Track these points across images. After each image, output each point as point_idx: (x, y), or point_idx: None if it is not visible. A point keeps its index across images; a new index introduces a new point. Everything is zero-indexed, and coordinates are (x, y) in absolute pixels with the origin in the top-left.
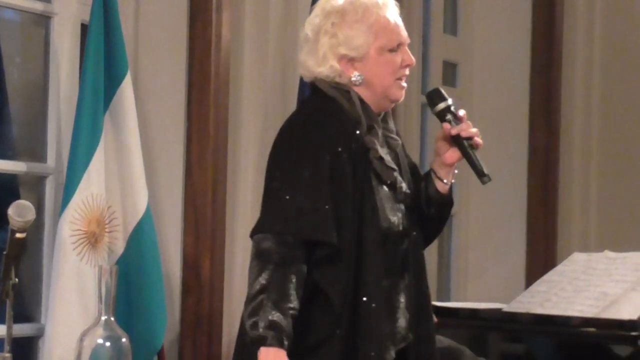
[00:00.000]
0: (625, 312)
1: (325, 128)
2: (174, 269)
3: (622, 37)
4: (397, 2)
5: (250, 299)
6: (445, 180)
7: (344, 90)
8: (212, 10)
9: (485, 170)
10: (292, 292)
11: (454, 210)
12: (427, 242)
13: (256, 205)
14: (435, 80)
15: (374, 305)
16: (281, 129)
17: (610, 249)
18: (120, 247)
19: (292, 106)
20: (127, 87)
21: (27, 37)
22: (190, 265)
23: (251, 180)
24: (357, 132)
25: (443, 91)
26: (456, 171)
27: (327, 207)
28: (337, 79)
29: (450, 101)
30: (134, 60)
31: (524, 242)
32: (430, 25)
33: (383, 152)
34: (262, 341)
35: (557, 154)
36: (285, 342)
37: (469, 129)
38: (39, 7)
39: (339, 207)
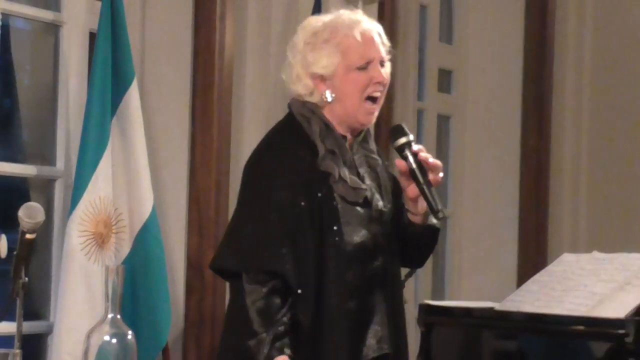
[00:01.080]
0: (613, 310)
1: (281, 158)
2: (178, 268)
3: (611, 46)
4: (374, 20)
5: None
6: (413, 212)
7: (308, 116)
8: (215, 19)
9: (439, 207)
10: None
11: (448, 212)
12: (418, 264)
13: None
14: (431, 87)
15: (336, 328)
16: (251, 156)
17: (598, 250)
18: (126, 248)
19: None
20: (133, 93)
21: (37, 45)
22: (194, 265)
23: None
24: (316, 159)
25: (405, 127)
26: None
27: (281, 241)
28: (308, 97)
29: (411, 137)
30: (140, 67)
31: (515, 243)
32: (427, 34)
33: (355, 171)
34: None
35: (548, 157)
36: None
37: (427, 157)
38: (48, 16)
39: (295, 239)
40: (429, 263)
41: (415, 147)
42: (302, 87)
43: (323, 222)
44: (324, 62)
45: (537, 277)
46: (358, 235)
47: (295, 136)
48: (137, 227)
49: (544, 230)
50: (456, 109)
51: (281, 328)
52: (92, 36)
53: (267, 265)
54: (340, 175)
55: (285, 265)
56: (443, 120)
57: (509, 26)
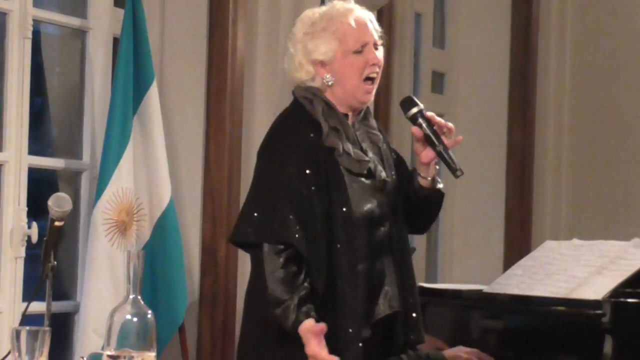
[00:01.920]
0: (591, 292)
1: (288, 139)
2: (193, 253)
3: (590, 51)
4: (366, 8)
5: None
6: (425, 176)
7: (310, 98)
8: (228, 24)
9: (457, 165)
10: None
11: None
12: (424, 228)
13: None
14: (425, 88)
15: (348, 289)
16: (263, 140)
17: (578, 237)
18: (146, 234)
19: None
20: (153, 92)
21: (65, 49)
22: (208, 250)
23: None
24: (318, 134)
25: (415, 98)
26: (437, 167)
27: (289, 213)
28: (311, 83)
29: (421, 106)
30: (159, 69)
31: (502, 231)
32: (421, 39)
33: (358, 145)
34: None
35: (532, 152)
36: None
37: (441, 121)
38: (76, 22)
39: (303, 209)
40: (423, 250)
41: (427, 114)
42: (304, 73)
43: (331, 193)
44: (323, 48)
45: (521, 262)
46: (364, 204)
47: (300, 117)
48: (157, 215)
49: (528, 220)
50: (448, 109)
51: (304, 293)
52: (116, 41)
53: (280, 236)
54: (344, 149)
55: (295, 235)
56: (435, 115)
57: (496, 33)
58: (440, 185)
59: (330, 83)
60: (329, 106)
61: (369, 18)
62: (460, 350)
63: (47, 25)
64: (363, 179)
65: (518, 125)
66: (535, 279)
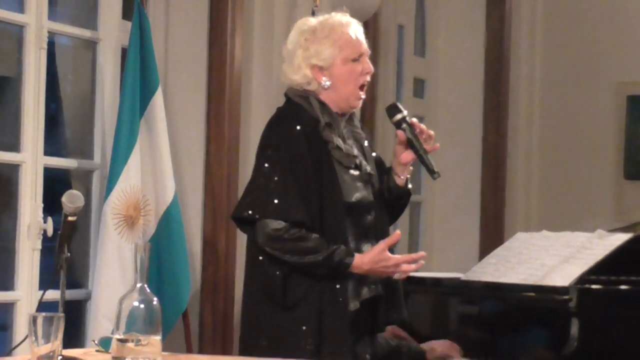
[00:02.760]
0: (559, 279)
1: (288, 129)
2: (196, 245)
3: (557, 60)
4: (359, 22)
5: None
6: (401, 176)
7: (305, 97)
8: (227, 36)
9: (435, 169)
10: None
11: (421, 197)
12: (393, 219)
13: None
14: (407, 93)
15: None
16: (262, 133)
17: (547, 229)
18: (152, 228)
19: None
20: (158, 98)
21: (77, 58)
22: (209, 242)
23: None
24: (316, 127)
25: (399, 105)
26: (411, 168)
27: (290, 193)
28: (306, 87)
29: (405, 112)
30: (164, 76)
31: (478, 223)
32: (403, 49)
33: (345, 143)
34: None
35: (504, 152)
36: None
37: (422, 127)
38: (87, 34)
39: (302, 191)
40: (405, 241)
41: (409, 119)
42: (301, 76)
43: (324, 181)
44: (324, 54)
45: (495, 251)
46: (354, 193)
47: (297, 113)
48: (161, 210)
49: (501, 213)
50: (428, 112)
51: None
52: (124, 51)
53: (279, 212)
54: (336, 144)
55: (292, 209)
56: (417, 121)
57: (472, 43)
58: (410, 186)
59: (325, 87)
60: (323, 105)
61: (362, 31)
62: (434, 343)
63: (60, 36)
64: (352, 171)
65: (492, 127)
66: (508, 267)
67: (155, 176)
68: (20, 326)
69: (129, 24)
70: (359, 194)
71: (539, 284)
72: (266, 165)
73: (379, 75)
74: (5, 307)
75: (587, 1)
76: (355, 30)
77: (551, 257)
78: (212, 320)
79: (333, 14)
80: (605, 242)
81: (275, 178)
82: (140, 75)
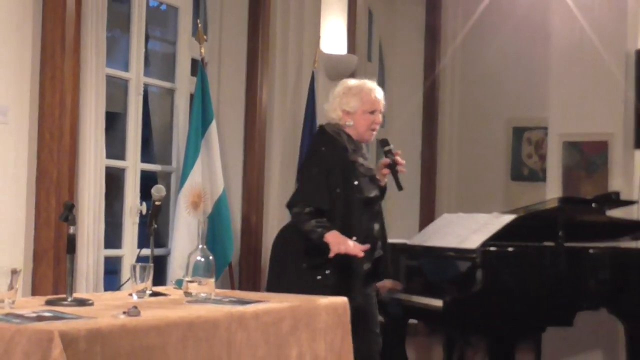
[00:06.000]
0: (469, 244)
1: (325, 151)
2: (237, 221)
3: (469, 102)
4: (380, 88)
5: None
6: (381, 182)
7: (338, 131)
8: (257, 87)
9: (401, 184)
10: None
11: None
12: None
13: (279, 189)
14: None
15: (359, 239)
16: (306, 152)
17: (462, 212)
18: (209, 209)
19: (297, 138)
20: (213, 126)
21: (162, 101)
22: (245, 219)
23: (276, 177)
24: (346, 152)
25: (388, 140)
26: (386, 179)
27: (323, 190)
28: (337, 121)
29: (392, 146)
30: (217, 112)
31: (418, 207)
32: None
33: (363, 162)
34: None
35: (435, 164)
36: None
37: (400, 161)
38: (168, 85)
39: (337, 187)
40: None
41: (394, 151)
42: (335, 115)
43: (350, 184)
44: (352, 105)
45: (429, 226)
46: (370, 192)
47: (332, 141)
48: (215, 199)
49: (433, 201)
50: (388, 134)
51: (324, 220)
52: (191, 96)
53: (312, 201)
54: (360, 162)
55: (321, 200)
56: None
57: (413, 92)
58: (386, 187)
59: (349, 125)
60: (349, 136)
61: (382, 94)
62: (384, 281)
63: (151, 86)
64: (368, 179)
65: (426, 146)
66: (438, 236)
67: (211, 177)
68: (125, 271)
69: (194, 79)
70: (373, 193)
71: (457, 247)
72: (307, 172)
73: None
74: (116, 259)
75: (488, 64)
76: (376, 93)
77: (465, 230)
78: (247, 270)
79: (365, 80)
80: (500, 220)
81: (313, 181)
82: (202, 111)
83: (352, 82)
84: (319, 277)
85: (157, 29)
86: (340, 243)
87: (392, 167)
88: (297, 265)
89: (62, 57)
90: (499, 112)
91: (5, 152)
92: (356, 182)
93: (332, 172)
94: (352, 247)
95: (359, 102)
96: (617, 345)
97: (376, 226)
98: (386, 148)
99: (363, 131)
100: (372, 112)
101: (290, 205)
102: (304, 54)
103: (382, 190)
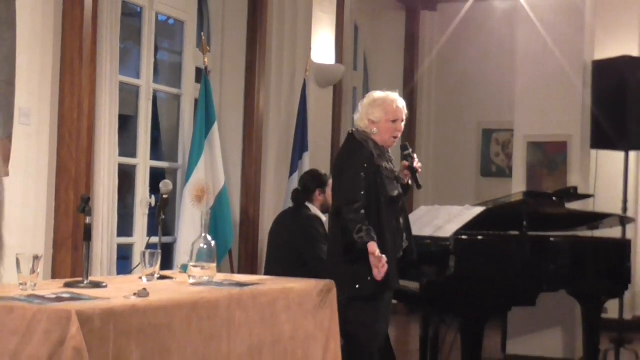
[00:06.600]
0: (444, 232)
1: (357, 155)
2: (236, 213)
3: (444, 106)
4: (403, 100)
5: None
6: (403, 181)
7: (365, 139)
8: (255, 92)
9: (420, 183)
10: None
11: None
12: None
13: (274, 184)
14: None
15: (388, 234)
16: (340, 152)
17: (438, 204)
18: (211, 202)
19: (290, 138)
20: (215, 128)
21: (169, 105)
22: (244, 211)
23: (272, 173)
24: (373, 157)
25: (408, 145)
26: (408, 179)
27: (361, 188)
28: (364, 129)
29: (410, 150)
30: (219, 115)
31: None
32: (356, 102)
33: (387, 165)
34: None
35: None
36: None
37: (417, 163)
38: (175, 91)
39: (367, 188)
40: None
41: (413, 155)
42: (363, 124)
43: (378, 184)
44: (377, 115)
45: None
46: (394, 191)
47: (360, 149)
48: (217, 192)
49: (411, 193)
50: None
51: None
52: (196, 101)
53: (355, 200)
54: (384, 166)
55: (362, 197)
56: (415, 156)
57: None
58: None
59: (374, 133)
60: (375, 143)
61: (404, 105)
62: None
63: (160, 92)
64: (392, 180)
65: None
66: (416, 226)
67: (213, 173)
68: (136, 257)
69: (198, 85)
70: (397, 192)
71: (433, 235)
72: (346, 175)
73: (347, 114)
74: (127, 246)
75: (461, 73)
76: (399, 104)
77: (440, 220)
78: (245, 256)
79: (389, 92)
80: (471, 212)
81: (355, 181)
82: (205, 115)
83: (377, 94)
84: (357, 287)
85: (165, 40)
86: (377, 266)
87: (412, 169)
88: (334, 259)
89: (80, 66)
90: (471, 115)
91: (28, 150)
92: (382, 183)
93: (365, 175)
94: (382, 267)
95: (383, 112)
96: (574, 322)
97: (401, 220)
98: (405, 152)
99: (387, 138)
100: (394, 121)
101: (340, 206)
102: (297, 64)
103: (405, 188)
